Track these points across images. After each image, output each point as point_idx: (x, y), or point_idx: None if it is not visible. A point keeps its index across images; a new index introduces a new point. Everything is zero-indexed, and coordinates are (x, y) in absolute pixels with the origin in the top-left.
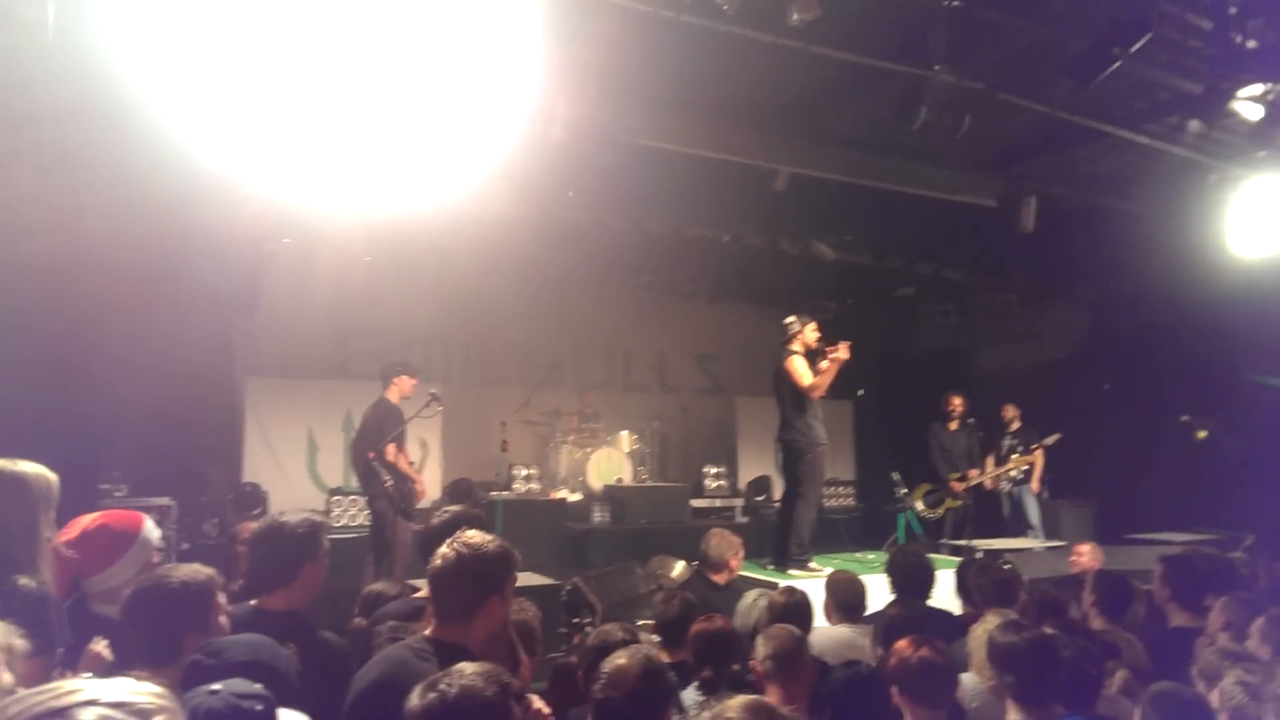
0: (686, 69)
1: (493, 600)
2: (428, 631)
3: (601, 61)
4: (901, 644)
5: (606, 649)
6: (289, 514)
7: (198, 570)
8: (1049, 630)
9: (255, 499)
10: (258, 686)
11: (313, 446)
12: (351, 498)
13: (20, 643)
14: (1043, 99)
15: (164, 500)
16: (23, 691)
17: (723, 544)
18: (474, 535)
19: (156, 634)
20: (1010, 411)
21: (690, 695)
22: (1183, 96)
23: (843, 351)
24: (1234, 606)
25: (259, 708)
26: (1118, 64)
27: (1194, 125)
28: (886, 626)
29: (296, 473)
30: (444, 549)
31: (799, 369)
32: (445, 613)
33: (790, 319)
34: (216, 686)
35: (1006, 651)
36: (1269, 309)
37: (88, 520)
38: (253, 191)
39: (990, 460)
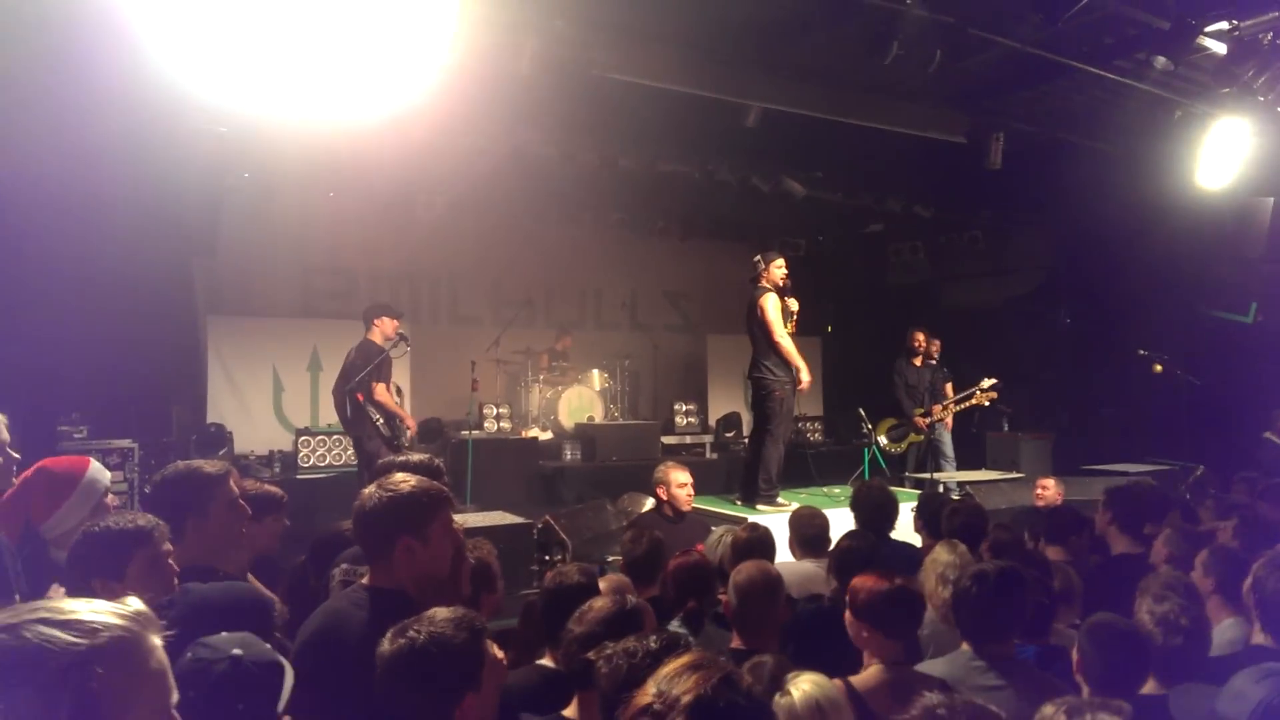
0: (657, 1)
1: (404, 541)
2: (364, 579)
3: None
4: (868, 579)
5: (563, 590)
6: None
7: (139, 516)
8: (1003, 565)
9: (219, 439)
10: (267, 650)
11: (278, 386)
12: (319, 437)
13: None
14: (1012, 34)
15: (125, 442)
16: None
17: (655, 475)
18: (396, 477)
19: (103, 577)
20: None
21: (674, 628)
22: (1150, 32)
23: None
24: (1176, 539)
25: (272, 679)
26: None
27: (1160, 61)
28: (839, 558)
29: (262, 413)
30: (364, 490)
31: (770, 312)
32: (367, 556)
33: (757, 257)
34: (238, 650)
35: (960, 600)
36: (1226, 246)
37: (29, 471)
38: (208, 125)
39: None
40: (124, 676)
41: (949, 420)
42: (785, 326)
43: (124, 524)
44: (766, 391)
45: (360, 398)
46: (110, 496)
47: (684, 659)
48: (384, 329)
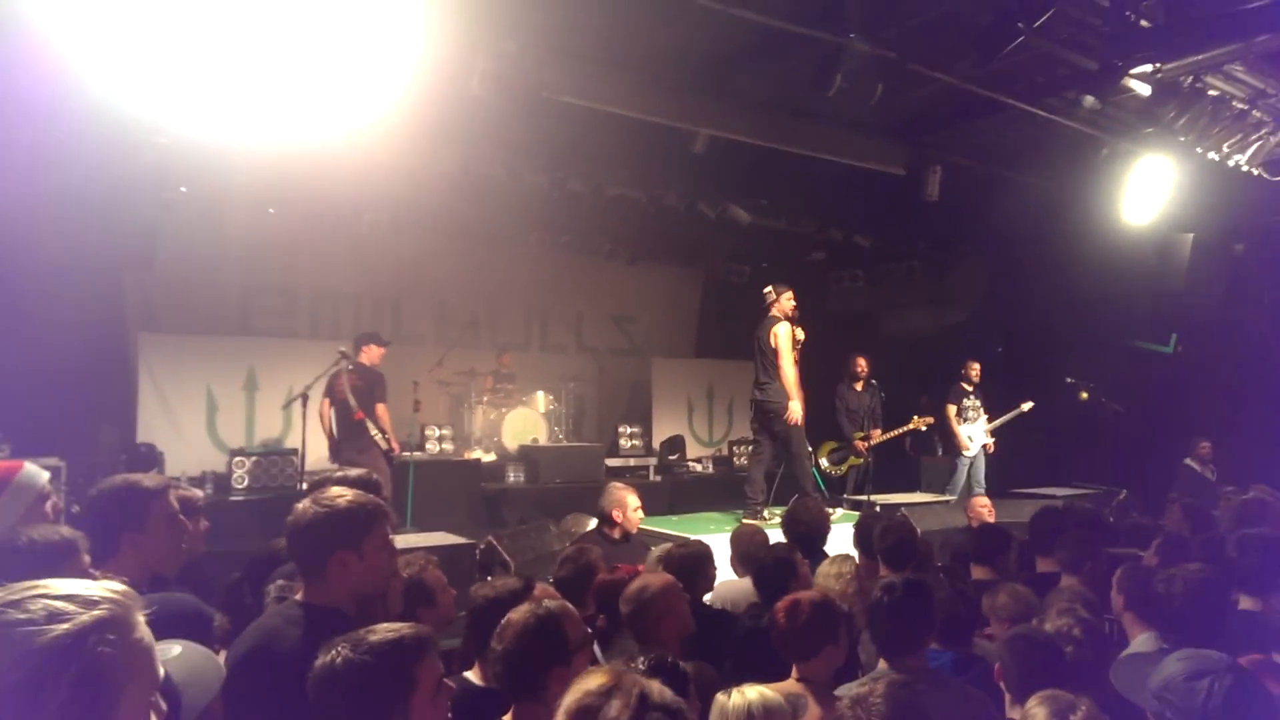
0: (608, 26)
1: (341, 555)
2: (298, 595)
3: (522, 16)
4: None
5: (484, 603)
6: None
7: (54, 530)
8: (909, 578)
9: (150, 459)
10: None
11: (212, 405)
12: (254, 458)
13: None
14: (950, 70)
15: (52, 460)
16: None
17: (607, 497)
18: (331, 490)
19: None
20: (975, 369)
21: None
22: (1079, 72)
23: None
24: (1069, 557)
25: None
26: (1021, 38)
27: (1088, 100)
28: (757, 573)
29: (195, 433)
30: (298, 505)
31: (783, 341)
32: (302, 571)
33: (767, 289)
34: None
35: (873, 614)
36: (1148, 279)
37: None
38: (148, 137)
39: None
40: (121, 648)
41: (990, 445)
42: (791, 354)
43: (47, 537)
44: (773, 414)
45: (360, 416)
46: (50, 502)
47: (595, 681)
48: (370, 355)
